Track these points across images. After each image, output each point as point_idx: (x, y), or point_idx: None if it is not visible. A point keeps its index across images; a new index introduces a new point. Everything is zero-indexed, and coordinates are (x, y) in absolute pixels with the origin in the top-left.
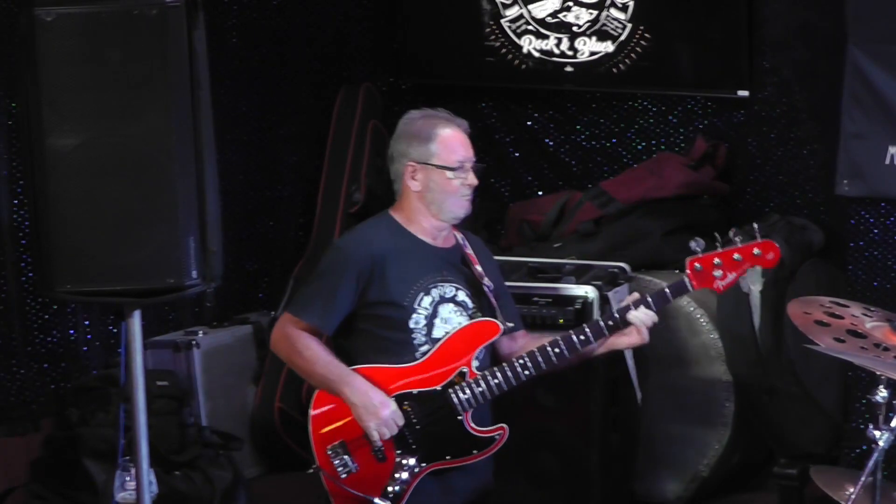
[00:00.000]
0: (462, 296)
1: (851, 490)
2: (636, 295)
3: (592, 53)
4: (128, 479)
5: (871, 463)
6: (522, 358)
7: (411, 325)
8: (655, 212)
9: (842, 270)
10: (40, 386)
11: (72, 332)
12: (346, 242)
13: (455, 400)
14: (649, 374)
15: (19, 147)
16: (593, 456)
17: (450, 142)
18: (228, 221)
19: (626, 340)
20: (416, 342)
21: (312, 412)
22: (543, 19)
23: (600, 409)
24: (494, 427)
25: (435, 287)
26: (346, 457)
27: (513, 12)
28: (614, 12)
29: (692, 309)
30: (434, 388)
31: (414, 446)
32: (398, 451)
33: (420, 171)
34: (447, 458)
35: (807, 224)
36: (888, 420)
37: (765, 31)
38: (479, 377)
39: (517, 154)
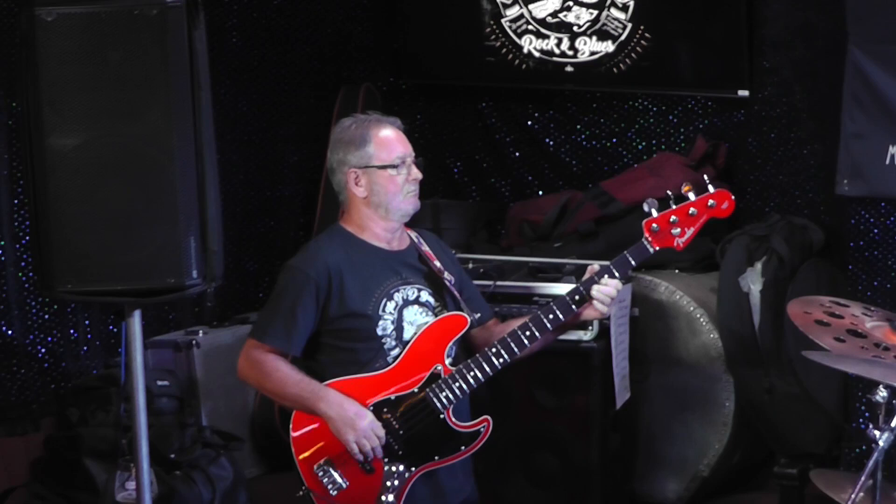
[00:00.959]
0: (425, 296)
1: (851, 490)
2: (597, 266)
3: (593, 53)
4: (128, 479)
5: (871, 463)
6: (495, 346)
7: (379, 332)
8: None
9: (842, 270)
10: (40, 386)
11: (72, 332)
12: (299, 261)
13: (434, 399)
14: (649, 374)
15: (19, 147)
16: (593, 456)
17: (386, 140)
18: (228, 221)
19: (592, 312)
20: (386, 347)
21: (293, 434)
22: (544, 19)
23: (600, 409)
24: (477, 420)
25: (397, 291)
26: (334, 474)
27: (513, 12)
28: (614, 12)
29: (692, 309)
30: (411, 390)
31: (401, 452)
32: (386, 460)
33: (362, 175)
34: (436, 458)
35: (807, 224)
36: (888, 420)
37: (765, 30)
38: (454, 372)
39: (517, 154)
